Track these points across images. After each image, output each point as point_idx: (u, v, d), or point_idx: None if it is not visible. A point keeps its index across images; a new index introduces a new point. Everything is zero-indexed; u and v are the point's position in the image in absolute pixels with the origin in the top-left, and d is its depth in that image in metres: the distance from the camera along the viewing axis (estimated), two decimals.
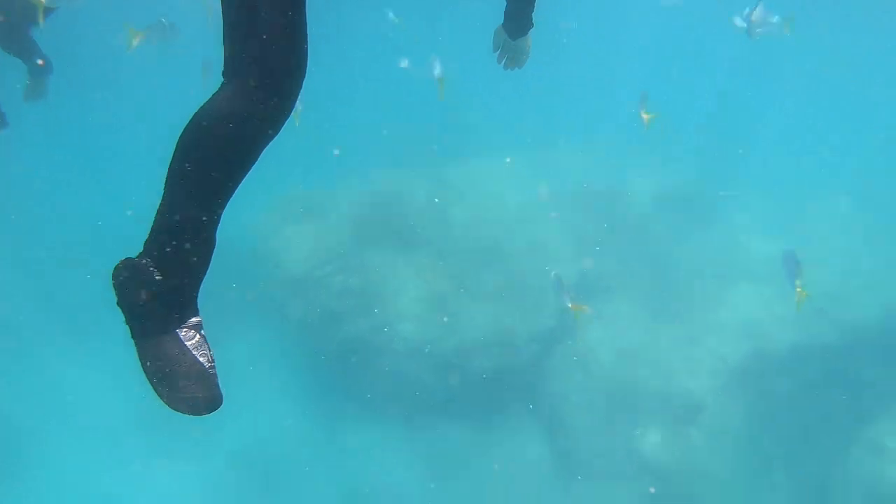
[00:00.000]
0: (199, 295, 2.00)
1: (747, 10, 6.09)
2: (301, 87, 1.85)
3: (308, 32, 1.84)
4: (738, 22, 6.27)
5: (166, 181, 1.83)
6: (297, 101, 1.88)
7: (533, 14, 3.16)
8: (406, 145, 10.98)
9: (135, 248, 1.92)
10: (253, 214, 10.61)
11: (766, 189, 10.23)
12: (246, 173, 1.86)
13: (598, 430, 8.85)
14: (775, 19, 5.97)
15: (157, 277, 1.82)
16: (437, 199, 10.25)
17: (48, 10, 5.98)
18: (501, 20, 3.26)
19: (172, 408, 1.87)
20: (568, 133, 11.00)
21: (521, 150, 10.72)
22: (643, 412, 8.62)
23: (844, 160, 11.18)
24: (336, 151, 10.93)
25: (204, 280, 1.95)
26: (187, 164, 1.79)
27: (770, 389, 8.28)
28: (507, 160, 10.49)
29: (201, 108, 1.81)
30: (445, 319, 9.39)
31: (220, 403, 1.91)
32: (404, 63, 9.51)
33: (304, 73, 1.85)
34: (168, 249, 1.81)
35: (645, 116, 7.72)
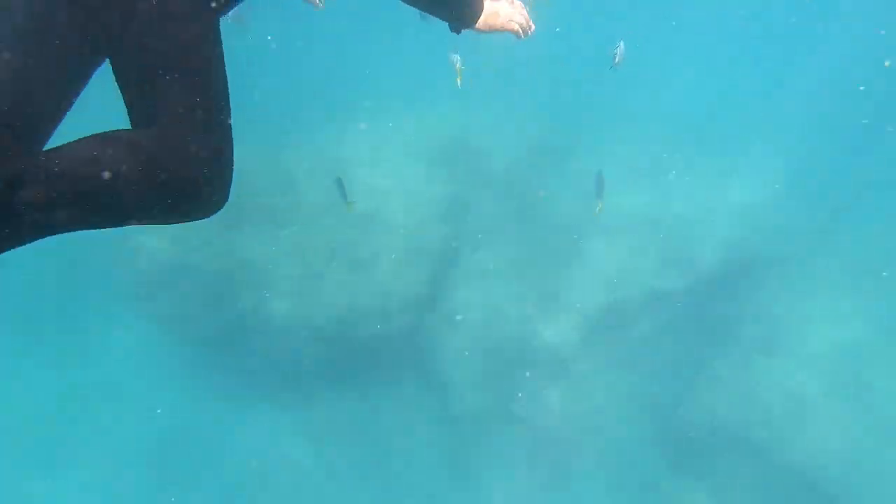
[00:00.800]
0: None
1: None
2: None
3: None
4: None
5: None
6: None
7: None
8: (254, 118, 10.63)
9: None
10: None
11: (622, 141, 10.46)
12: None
13: (475, 386, 9.27)
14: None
15: None
16: (300, 172, 10.10)
17: None
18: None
19: None
20: (423, 93, 10.85)
21: (380, 112, 10.57)
22: (514, 365, 9.05)
23: (692, 109, 11.48)
24: None
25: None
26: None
27: (626, 336, 8.81)
28: (364, 125, 10.33)
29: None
30: (320, 293, 9.46)
31: None
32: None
33: None
34: None
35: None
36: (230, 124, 1.93)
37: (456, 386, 9.37)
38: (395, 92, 10.85)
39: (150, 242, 9.87)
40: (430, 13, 2.44)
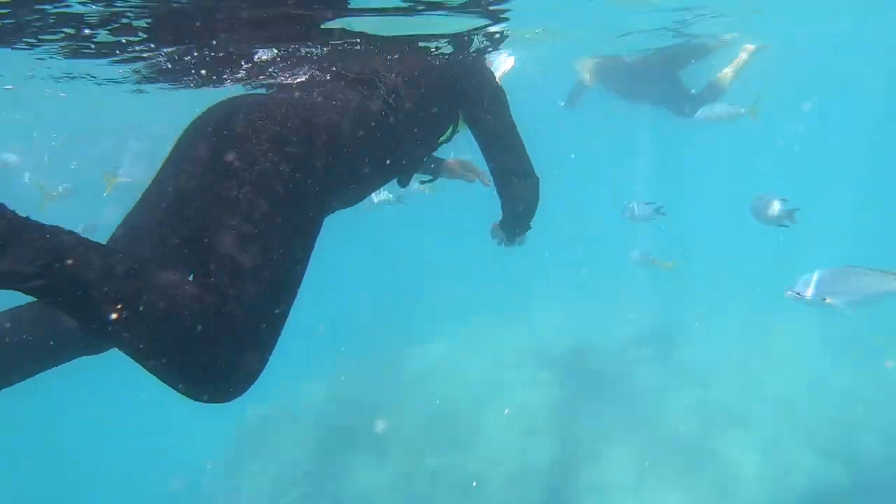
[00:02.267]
0: None
1: None
2: None
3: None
4: None
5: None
6: None
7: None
8: (352, 337, 10.57)
9: None
10: (208, 454, 10.04)
11: (733, 323, 9.82)
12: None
13: None
14: None
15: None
16: (401, 394, 9.73)
17: None
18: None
19: None
20: (517, 302, 10.69)
21: (476, 322, 10.35)
22: None
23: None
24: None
25: None
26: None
27: None
28: (466, 334, 10.07)
29: None
30: None
31: None
32: None
33: None
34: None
35: None
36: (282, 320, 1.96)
37: None
38: (486, 302, 10.71)
39: (246, 483, 9.40)
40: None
